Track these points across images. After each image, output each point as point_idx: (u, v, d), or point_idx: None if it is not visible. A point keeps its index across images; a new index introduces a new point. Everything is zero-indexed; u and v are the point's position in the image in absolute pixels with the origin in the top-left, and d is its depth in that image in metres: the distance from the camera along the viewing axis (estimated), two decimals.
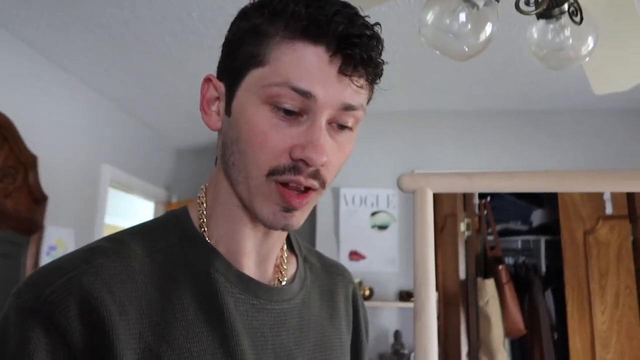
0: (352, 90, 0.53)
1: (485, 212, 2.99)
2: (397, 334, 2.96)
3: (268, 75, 0.52)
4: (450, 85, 2.93)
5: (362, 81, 0.54)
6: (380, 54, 0.55)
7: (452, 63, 2.61)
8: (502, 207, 3.63)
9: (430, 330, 0.90)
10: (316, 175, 0.54)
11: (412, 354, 2.83)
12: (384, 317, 3.05)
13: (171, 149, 4.04)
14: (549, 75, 2.74)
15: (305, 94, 0.51)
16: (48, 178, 2.45)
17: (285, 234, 0.65)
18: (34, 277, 0.51)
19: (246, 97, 0.54)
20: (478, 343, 2.68)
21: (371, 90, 0.58)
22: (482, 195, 3.09)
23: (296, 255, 0.68)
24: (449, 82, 2.87)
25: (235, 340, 0.54)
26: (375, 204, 3.17)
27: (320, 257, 0.77)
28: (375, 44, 0.53)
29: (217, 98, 0.59)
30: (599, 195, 2.92)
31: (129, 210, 4.27)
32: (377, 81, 0.57)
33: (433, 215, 0.99)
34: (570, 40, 1.08)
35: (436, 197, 1.00)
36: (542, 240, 3.62)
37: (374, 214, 3.16)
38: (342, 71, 0.52)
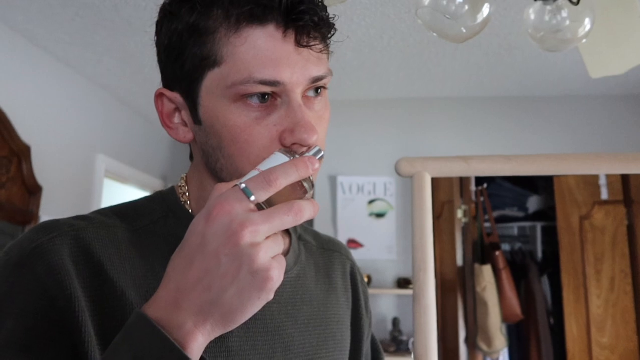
0: (315, 59, 0.52)
1: (482, 199, 2.99)
2: (395, 321, 2.97)
3: (228, 74, 0.50)
4: (446, 73, 2.91)
5: (320, 46, 0.53)
6: (326, 10, 0.54)
7: (447, 50, 2.60)
8: (499, 194, 3.64)
9: (430, 314, 0.90)
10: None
11: (411, 341, 2.84)
12: (382, 305, 3.06)
13: (166, 138, 4.02)
14: (544, 62, 2.73)
15: (273, 84, 0.50)
16: (42, 168, 2.43)
17: None
18: (21, 236, 0.51)
19: (212, 101, 0.52)
20: (476, 329, 2.69)
21: (328, 47, 0.57)
22: (478, 182, 3.10)
23: (290, 234, 0.68)
24: (445, 69, 2.86)
25: None
26: (372, 192, 3.16)
27: (317, 235, 0.76)
28: (318, 2, 0.52)
29: (177, 109, 0.56)
30: (595, 181, 2.93)
31: (125, 200, 4.24)
32: (332, 35, 0.56)
33: (432, 198, 0.98)
34: (568, 22, 1.07)
35: (433, 184, 0.99)
36: (538, 226, 3.63)
37: (371, 202, 3.16)
38: (299, 43, 0.51)
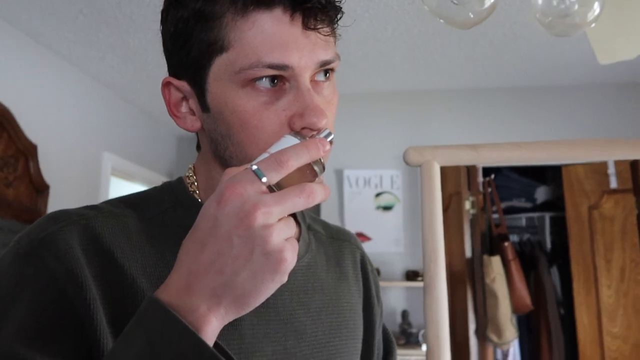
0: (323, 43, 0.52)
1: (489, 190, 2.98)
2: (404, 314, 2.97)
3: (236, 59, 0.50)
4: (452, 63, 2.89)
5: (327, 29, 0.53)
6: None
7: (452, 40, 2.58)
8: (506, 184, 3.62)
9: (441, 305, 0.89)
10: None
11: (421, 333, 2.83)
12: (391, 297, 3.06)
13: (171, 135, 4.02)
14: (550, 51, 2.70)
15: (281, 67, 0.49)
16: (49, 167, 2.43)
17: None
18: (31, 226, 0.51)
19: (220, 87, 0.52)
20: (485, 320, 2.68)
21: (335, 31, 0.56)
22: (486, 174, 3.08)
23: (299, 224, 0.67)
24: (450, 60, 2.83)
25: None
26: (379, 185, 3.15)
27: (326, 225, 0.76)
28: None
29: (184, 98, 0.56)
30: (603, 170, 2.90)
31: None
32: (339, 18, 0.55)
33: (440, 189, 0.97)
34: (576, 6, 1.05)
35: (441, 175, 0.98)
36: (547, 216, 3.61)
37: (378, 195, 3.15)
38: (306, 26, 0.50)
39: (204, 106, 0.54)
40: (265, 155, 0.43)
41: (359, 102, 3.26)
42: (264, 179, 0.41)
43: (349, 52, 2.71)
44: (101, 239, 0.50)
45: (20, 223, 2.23)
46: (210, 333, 0.40)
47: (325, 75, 0.54)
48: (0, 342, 0.44)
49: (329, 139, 0.48)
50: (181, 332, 0.38)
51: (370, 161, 3.20)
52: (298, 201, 0.41)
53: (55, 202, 2.46)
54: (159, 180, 3.72)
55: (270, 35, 0.49)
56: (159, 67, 2.81)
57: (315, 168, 0.45)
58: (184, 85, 0.55)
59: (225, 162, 0.55)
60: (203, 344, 0.38)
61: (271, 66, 0.49)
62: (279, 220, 0.40)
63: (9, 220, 2.16)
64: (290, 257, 0.40)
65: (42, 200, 2.37)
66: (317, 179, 0.45)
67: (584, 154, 1.02)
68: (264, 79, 0.50)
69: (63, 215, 0.51)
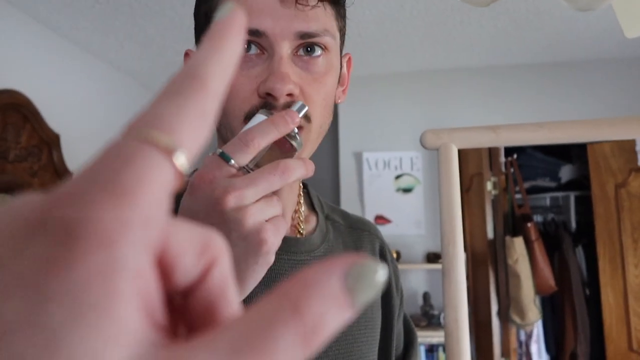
0: (304, 15, 0.51)
1: (512, 170, 2.92)
2: (425, 296, 2.96)
3: None
4: (472, 41, 2.83)
5: (312, 1, 0.51)
6: None
7: (472, 17, 2.52)
8: (530, 164, 3.55)
9: (459, 287, 0.88)
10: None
11: (442, 315, 2.83)
12: (412, 280, 3.05)
13: None
14: (574, 25, 2.62)
15: (254, 33, 0.50)
16: (72, 156, 2.48)
17: (296, 183, 0.63)
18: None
19: None
20: (508, 301, 2.66)
21: (339, 12, 0.55)
22: (508, 153, 3.02)
23: (317, 213, 0.67)
24: (470, 37, 2.77)
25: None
26: (398, 167, 3.13)
27: (345, 215, 0.75)
28: None
29: None
30: (631, 147, 2.82)
31: None
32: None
33: (459, 173, 0.95)
34: None
35: (461, 156, 0.97)
36: (572, 196, 3.53)
37: (398, 177, 3.13)
38: None
39: None
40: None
41: (378, 84, 3.22)
42: (232, 162, 0.39)
43: (367, 34, 2.67)
44: None
45: None
46: None
47: (310, 50, 0.53)
48: None
49: (302, 112, 0.46)
50: None
51: (389, 143, 3.17)
52: (273, 179, 0.39)
53: None
54: None
55: (249, 3, 0.50)
56: (178, 54, 2.82)
57: (293, 143, 0.44)
58: None
59: (220, 134, 0.56)
60: None
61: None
62: (258, 201, 0.39)
63: None
64: (271, 238, 0.38)
65: None
66: (296, 154, 0.44)
67: (610, 133, 0.98)
68: None
69: None
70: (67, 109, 2.56)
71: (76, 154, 2.54)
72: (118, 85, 3.07)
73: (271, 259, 0.39)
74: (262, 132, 0.41)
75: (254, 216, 0.38)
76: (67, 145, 2.43)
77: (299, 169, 0.41)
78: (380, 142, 3.17)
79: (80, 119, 2.68)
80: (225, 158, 0.40)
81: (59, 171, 2.37)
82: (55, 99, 2.47)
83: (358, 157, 3.18)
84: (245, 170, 0.40)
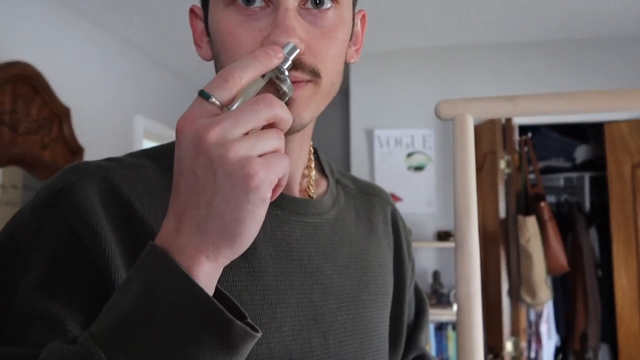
0: None
1: (526, 148, 2.88)
2: (435, 274, 2.96)
3: None
4: (487, 17, 2.76)
5: None
6: None
7: None
8: (544, 144, 3.49)
9: (472, 260, 0.86)
10: (299, 65, 0.49)
11: (452, 293, 2.82)
12: (423, 258, 3.04)
13: None
14: (590, 1, 2.54)
15: None
16: (83, 130, 2.48)
17: (306, 145, 0.61)
18: (51, 177, 0.51)
19: (212, 9, 0.52)
20: (519, 281, 2.64)
21: None
22: (522, 132, 2.97)
23: (327, 178, 0.65)
24: (486, 13, 2.70)
25: (252, 248, 0.52)
26: (410, 144, 3.09)
27: (355, 180, 0.74)
28: None
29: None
30: None
31: None
32: None
33: (474, 145, 0.93)
34: None
35: (475, 134, 0.94)
36: (586, 176, 3.49)
37: (409, 155, 3.09)
38: None
39: (208, 32, 0.54)
40: (240, 99, 0.39)
41: (390, 61, 3.16)
42: (212, 99, 0.37)
43: (379, 9, 2.61)
44: (120, 190, 0.50)
45: None
46: (202, 275, 0.37)
47: (319, 2, 0.50)
48: (19, 292, 0.44)
49: (293, 54, 0.44)
50: (175, 274, 0.36)
51: (401, 120, 3.13)
52: (257, 108, 0.37)
53: None
54: None
55: None
56: (187, 28, 2.78)
57: (283, 86, 0.42)
58: (201, 13, 0.56)
59: None
60: (193, 282, 0.36)
61: None
62: (246, 135, 0.36)
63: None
64: (261, 172, 0.35)
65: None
66: (286, 97, 0.43)
67: (631, 104, 0.95)
68: (242, 2, 0.49)
69: (82, 167, 0.51)
70: (77, 83, 2.56)
71: (87, 127, 2.54)
72: (128, 60, 3.05)
73: (265, 195, 0.36)
74: (242, 66, 0.39)
75: (239, 150, 0.36)
76: (77, 119, 2.43)
77: (285, 109, 0.39)
78: (392, 120, 3.13)
79: (90, 93, 2.67)
80: (204, 96, 0.38)
81: (69, 144, 2.37)
82: (66, 73, 2.46)
83: (369, 135, 3.14)
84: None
